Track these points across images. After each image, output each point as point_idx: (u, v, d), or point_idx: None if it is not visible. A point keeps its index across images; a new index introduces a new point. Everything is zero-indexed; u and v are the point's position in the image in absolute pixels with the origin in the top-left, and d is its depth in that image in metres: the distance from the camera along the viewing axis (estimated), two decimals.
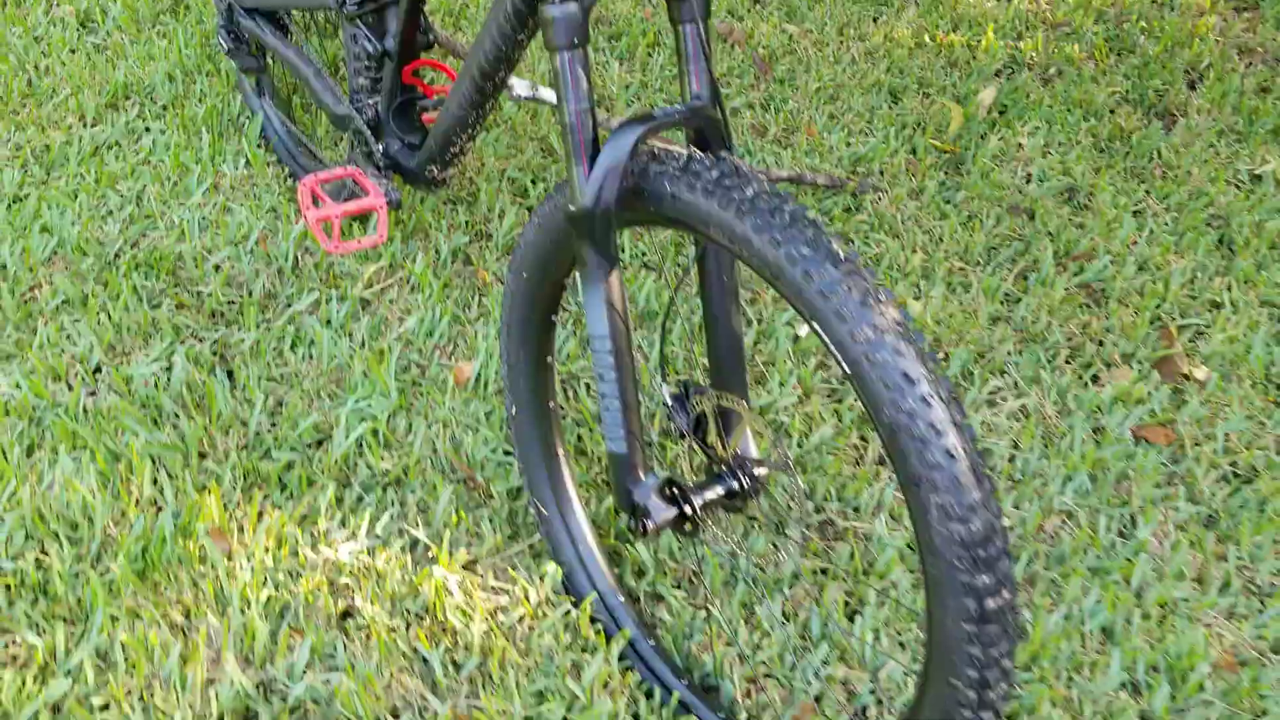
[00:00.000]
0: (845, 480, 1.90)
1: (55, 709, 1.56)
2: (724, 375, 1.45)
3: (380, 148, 1.96)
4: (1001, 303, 2.28)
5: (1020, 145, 2.70)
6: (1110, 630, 1.73)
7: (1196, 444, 2.02)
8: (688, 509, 1.40)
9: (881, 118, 2.73)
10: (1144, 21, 3.18)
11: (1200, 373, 2.14)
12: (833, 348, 1.12)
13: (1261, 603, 1.79)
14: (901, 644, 1.70)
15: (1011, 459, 1.98)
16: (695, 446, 1.48)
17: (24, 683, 1.57)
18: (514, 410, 1.73)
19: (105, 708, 1.57)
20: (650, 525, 1.39)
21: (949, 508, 1.07)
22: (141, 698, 1.58)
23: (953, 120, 2.68)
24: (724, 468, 1.44)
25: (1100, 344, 2.20)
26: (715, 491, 1.42)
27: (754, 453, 1.45)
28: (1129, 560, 1.81)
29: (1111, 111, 2.83)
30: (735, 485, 1.42)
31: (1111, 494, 1.92)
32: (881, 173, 2.60)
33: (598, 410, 1.97)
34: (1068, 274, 2.34)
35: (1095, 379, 2.15)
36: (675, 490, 1.41)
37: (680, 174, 1.23)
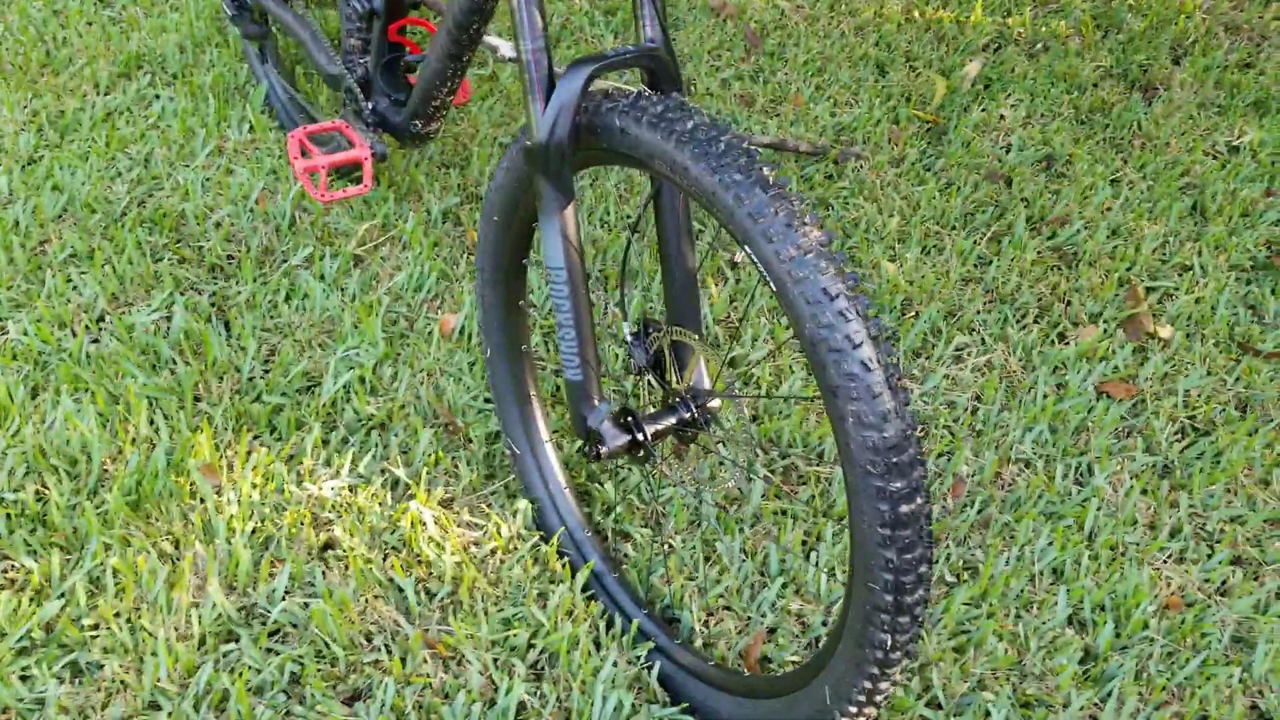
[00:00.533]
0: (810, 429, 1.97)
1: (48, 628, 1.65)
2: (679, 311, 1.52)
3: (370, 105, 2.04)
4: (975, 265, 2.34)
5: (1002, 116, 2.76)
6: (1060, 571, 1.79)
7: (1157, 399, 2.08)
8: (640, 436, 1.47)
9: (867, 89, 2.80)
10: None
11: (1165, 331, 2.20)
12: (761, 267, 1.19)
13: (1210, 548, 1.85)
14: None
15: (974, 410, 2.04)
16: (653, 381, 1.56)
17: (20, 604, 1.67)
18: (488, 352, 1.82)
19: (95, 627, 1.66)
20: (603, 450, 1.46)
21: (863, 415, 1.14)
22: (129, 619, 1.67)
23: (937, 92, 2.74)
24: (677, 399, 1.51)
25: (1068, 304, 2.26)
26: (667, 421, 1.49)
27: (707, 385, 1.52)
28: (1082, 506, 1.87)
29: (1095, 85, 2.88)
30: (687, 415, 1.50)
31: (1070, 444, 1.98)
32: (866, 141, 2.67)
33: None
34: (1040, 238, 2.40)
35: (1062, 337, 2.21)
36: (629, 418, 1.48)
37: (628, 110, 1.31)
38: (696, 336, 1.49)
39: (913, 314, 2.21)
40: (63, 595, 1.70)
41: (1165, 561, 1.82)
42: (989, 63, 2.93)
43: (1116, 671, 1.65)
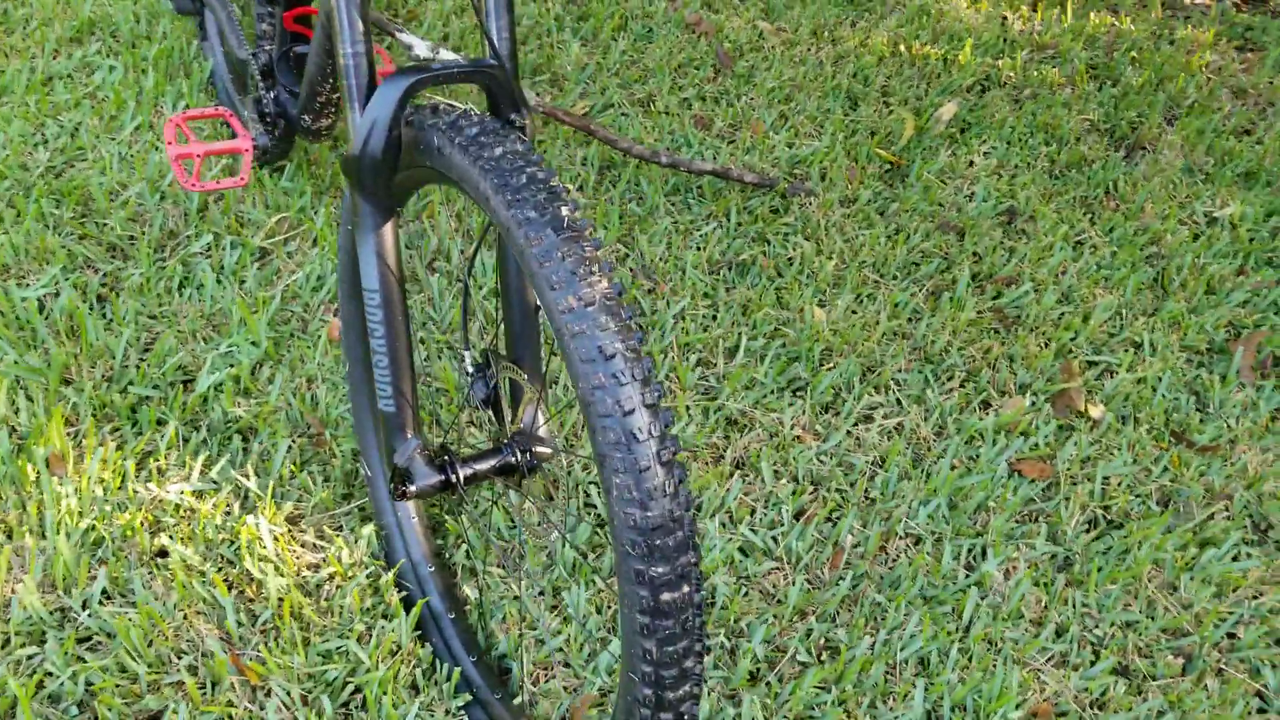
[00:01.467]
0: (693, 478, 1.86)
1: None
2: (518, 347, 1.42)
3: (271, 94, 1.96)
4: (907, 319, 2.22)
5: (971, 163, 2.62)
6: (926, 661, 1.66)
7: (1072, 483, 1.94)
8: (453, 477, 1.37)
9: (833, 122, 2.67)
10: (1135, 51, 3.07)
11: (1096, 411, 2.06)
12: (546, 313, 1.08)
13: (1096, 654, 1.71)
14: (707, 649, 1.65)
15: (872, 476, 1.92)
16: (491, 418, 1.46)
17: None
18: (347, 366, 1.72)
19: None
20: (410, 489, 1.37)
21: (627, 490, 1.03)
22: None
23: (905, 131, 2.61)
24: (503, 442, 1.41)
25: (997, 370, 2.12)
26: (487, 464, 1.39)
27: (541, 430, 1.42)
28: (964, 592, 1.74)
29: (1077, 139, 2.74)
30: (511, 460, 1.39)
31: (967, 523, 1.85)
32: (823, 177, 2.54)
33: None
34: (983, 297, 2.27)
35: (985, 405, 2.07)
36: (445, 457, 1.38)
37: (445, 129, 1.21)
38: (526, 377, 1.39)
39: (830, 365, 2.09)
40: None
41: (1044, 663, 1.68)
42: (968, 105, 2.80)
43: None
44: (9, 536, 1.70)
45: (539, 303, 1.09)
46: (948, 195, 2.51)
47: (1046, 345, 2.17)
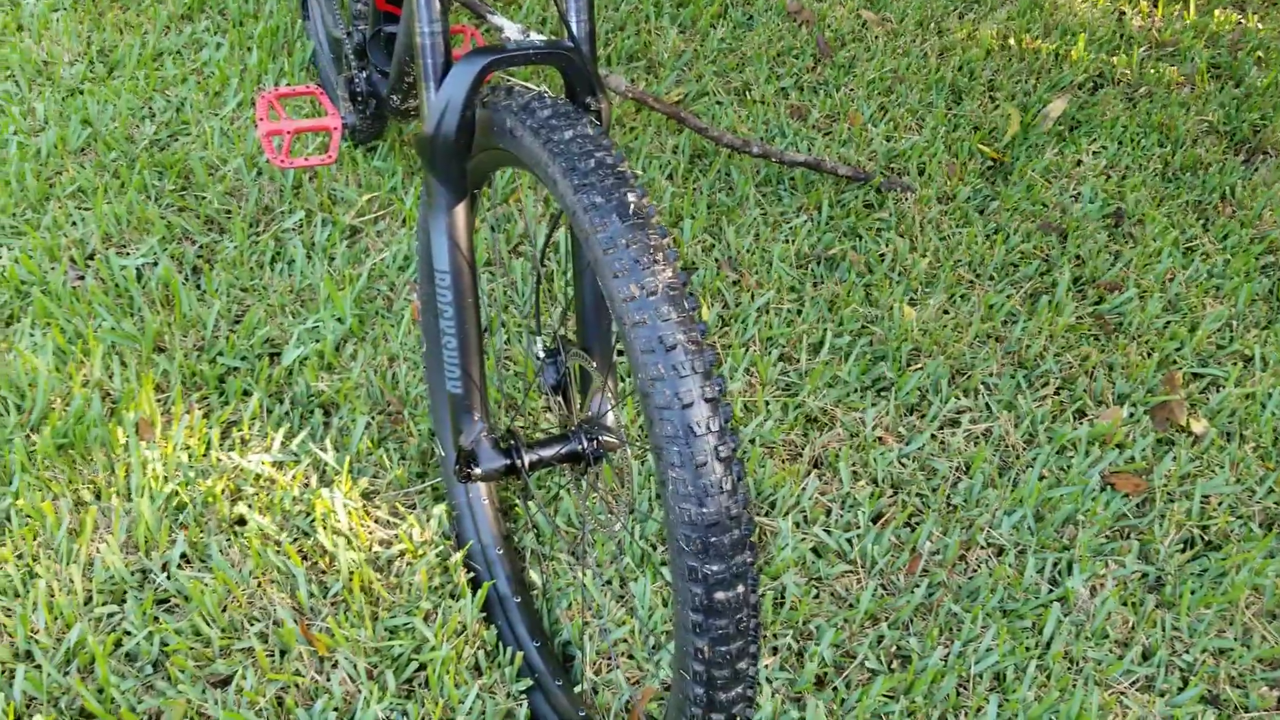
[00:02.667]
0: (768, 475, 1.82)
1: None
2: (588, 334, 1.40)
3: (364, 74, 1.98)
4: (1001, 322, 2.14)
5: (1079, 162, 2.52)
6: (1001, 677, 1.60)
7: (1169, 500, 1.85)
8: (518, 463, 1.36)
9: (935, 116, 2.59)
10: (1262, 50, 2.91)
11: (1199, 426, 1.96)
12: (608, 301, 1.06)
13: (1185, 680, 1.63)
14: (774, 649, 1.62)
15: (955, 483, 1.86)
16: (561, 404, 1.45)
17: None
18: (425, 347, 1.73)
19: None
20: (475, 471, 1.36)
21: (683, 485, 1.01)
22: (29, 563, 1.65)
23: (1010, 126, 2.53)
24: (570, 429, 1.39)
25: (1094, 379, 2.04)
26: (552, 450, 1.37)
27: (608, 419, 1.40)
28: (1045, 608, 1.67)
29: (1193, 141, 2.61)
30: (577, 448, 1.38)
31: (1053, 536, 1.78)
32: (921, 172, 2.47)
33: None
34: (1084, 302, 2.18)
35: (1080, 415, 1.99)
36: (512, 442, 1.38)
37: (518, 111, 1.20)
38: (595, 365, 1.37)
39: (917, 366, 2.03)
40: None
41: (1127, 686, 1.61)
42: (1079, 102, 2.69)
43: None
44: (97, 497, 1.75)
45: (602, 285, 1.07)
46: (1052, 195, 2.42)
47: (1149, 355, 2.08)
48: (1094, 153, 2.55)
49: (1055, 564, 1.75)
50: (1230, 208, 2.45)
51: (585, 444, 1.37)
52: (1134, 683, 1.62)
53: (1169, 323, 2.15)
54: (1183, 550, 1.79)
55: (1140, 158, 2.55)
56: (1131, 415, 1.98)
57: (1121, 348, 2.09)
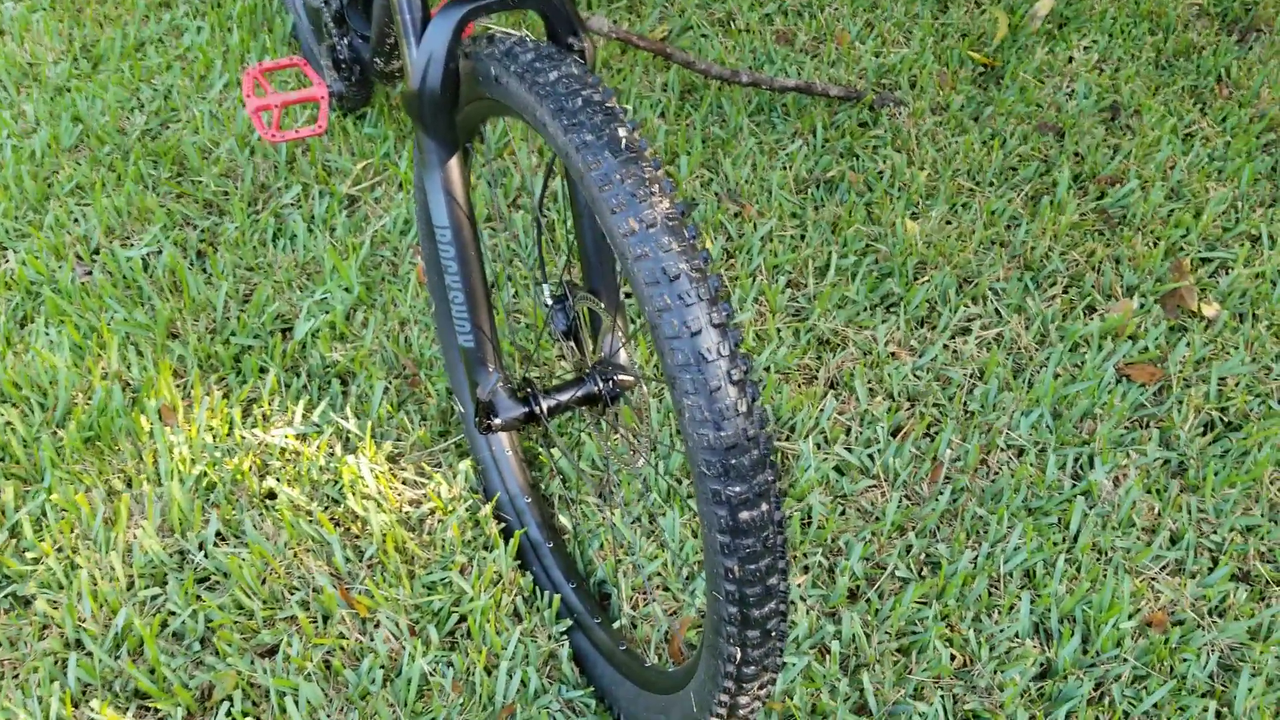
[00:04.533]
0: (785, 400, 1.84)
1: None
2: (593, 276, 1.41)
3: (345, 40, 1.97)
4: (1005, 226, 2.14)
5: (1070, 59, 2.49)
6: (1031, 574, 1.62)
7: (1185, 385, 1.86)
8: (537, 409, 1.38)
9: (922, 27, 2.57)
10: None
11: (1210, 310, 1.96)
12: (608, 237, 1.07)
13: (1214, 561, 1.65)
14: (805, 568, 1.64)
15: (971, 389, 1.87)
16: (574, 348, 1.46)
17: None
18: (434, 307, 1.74)
19: (37, 561, 1.68)
20: (494, 422, 1.38)
21: (699, 411, 1.02)
22: (68, 555, 1.68)
23: (998, 30, 2.50)
24: (585, 372, 1.41)
25: (1102, 274, 2.03)
26: (569, 394, 1.39)
27: (622, 358, 1.41)
28: (1070, 503, 1.69)
29: (1185, 26, 2.58)
30: (594, 389, 1.39)
31: (1072, 433, 1.79)
32: (913, 85, 2.46)
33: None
34: (1086, 198, 2.17)
35: (1090, 311, 1.99)
36: (528, 389, 1.39)
37: (502, 57, 1.20)
38: (604, 305, 1.38)
39: (924, 279, 2.03)
40: (12, 527, 1.72)
41: (1158, 572, 1.63)
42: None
43: (1074, 692, 1.48)
44: (128, 485, 1.78)
45: (601, 224, 1.07)
46: (1046, 95, 2.40)
47: (1155, 244, 2.08)
48: (1085, 48, 2.53)
49: (1076, 459, 1.77)
50: (1227, 90, 2.42)
51: (601, 385, 1.38)
52: (1164, 567, 1.64)
53: (1173, 210, 2.14)
54: (1203, 433, 1.80)
55: (1132, 48, 2.53)
56: (1142, 306, 1.98)
57: (1127, 240, 2.08)
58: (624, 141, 1.08)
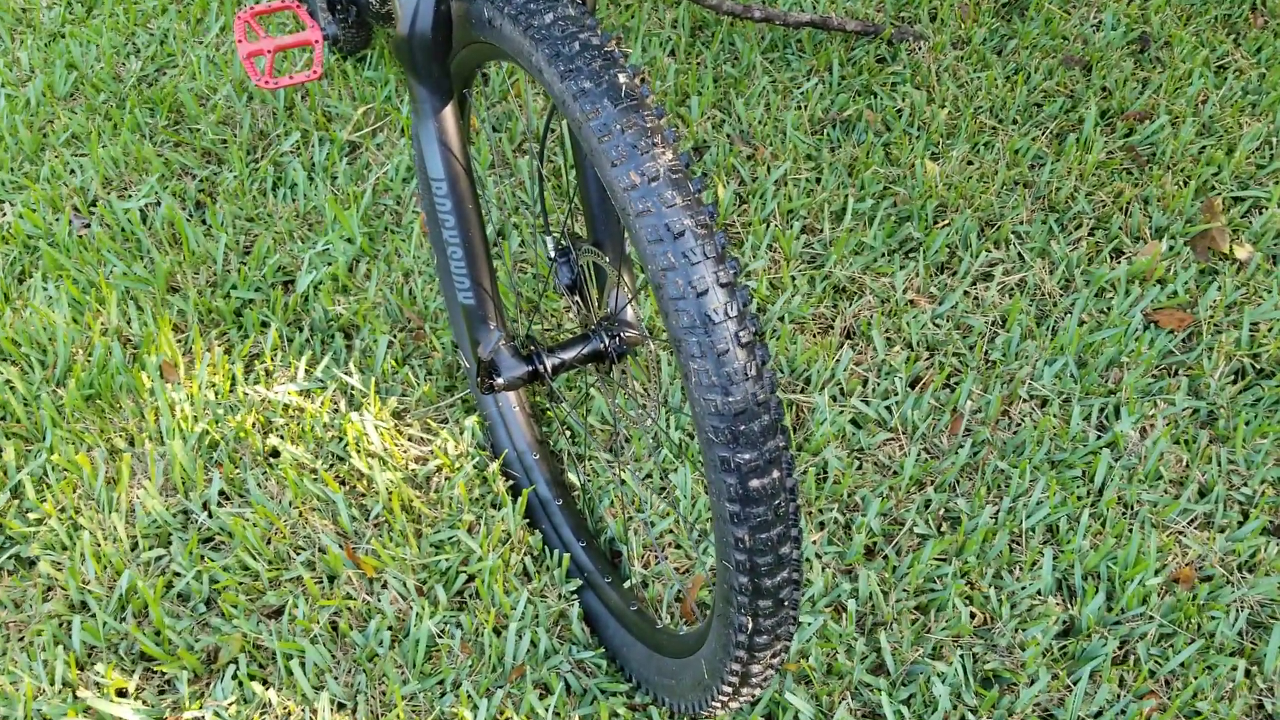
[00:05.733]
0: (799, 351, 1.78)
1: None
2: (597, 229, 1.35)
3: None
4: (1029, 167, 2.06)
5: None
6: (1055, 529, 1.58)
7: (1216, 331, 1.79)
8: (540, 367, 1.33)
9: None
10: None
11: (1243, 252, 1.88)
12: (609, 191, 1.01)
13: (1244, 514, 1.59)
14: (821, 524, 1.60)
15: (992, 338, 1.81)
16: (579, 303, 1.41)
17: None
18: (436, 260, 1.69)
19: (40, 522, 1.66)
20: (497, 382, 1.33)
21: (706, 375, 0.97)
22: (71, 516, 1.66)
23: None
24: (590, 328, 1.35)
25: (1130, 215, 1.96)
26: (574, 352, 1.34)
27: (628, 314, 1.36)
28: (1095, 455, 1.63)
29: None
30: (599, 346, 1.34)
31: (1097, 382, 1.73)
32: (933, 18, 2.36)
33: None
34: (1114, 136, 2.09)
35: (1117, 254, 1.92)
36: (531, 347, 1.34)
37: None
38: (609, 260, 1.33)
39: (944, 223, 1.96)
40: (14, 487, 1.70)
41: (1186, 525, 1.58)
42: None
43: (1098, 651, 1.44)
44: (130, 444, 1.75)
45: (601, 176, 1.02)
46: (1072, 27, 2.31)
47: (1185, 184, 2.00)
48: None
49: (1102, 409, 1.71)
50: (1262, 19, 2.32)
51: (607, 342, 1.33)
52: (1192, 521, 1.59)
53: (1204, 147, 2.06)
54: (1234, 381, 1.74)
55: None
56: (1171, 248, 1.91)
57: (1156, 179, 2.00)
58: (624, 89, 1.01)
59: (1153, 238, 1.93)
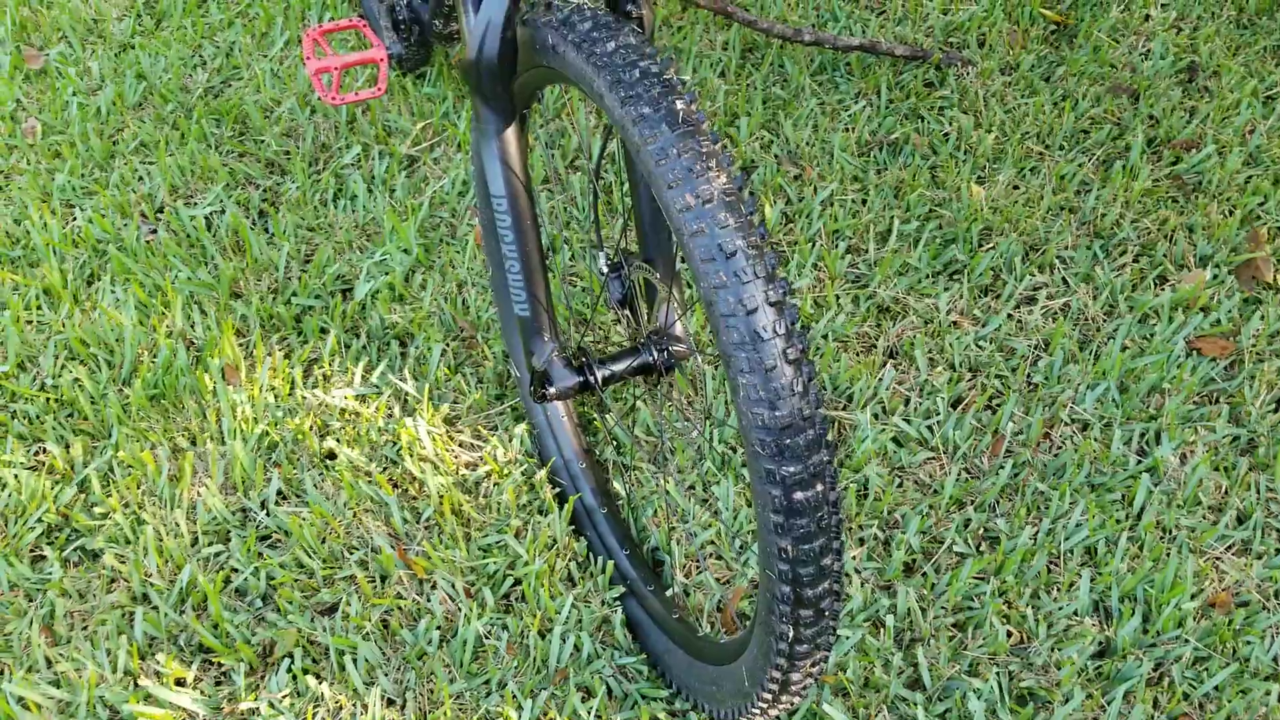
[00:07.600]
0: (843, 369, 1.82)
1: (64, 513, 1.72)
2: (649, 246, 1.40)
3: (404, 2, 1.96)
4: (1074, 193, 2.08)
5: (1147, 17, 2.41)
6: (1093, 551, 1.60)
7: (1259, 359, 1.81)
8: (592, 379, 1.38)
9: None
10: None
11: None
12: (664, 212, 1.06)
13: None
14: (860, 540, 1.63)
15: (1035, 360, 1.83)
16: (629, 317, 1.45)
17: (42, 487, 1.74)
18: (490, 271, 1.74)
19: (105, 516, 1.72)
20: (550, 391, 1.38)
21: (754, 390, 1.01)
22: (135, 511, 1.72)
23: None
24: (640, 342, 1.40)
25: (1174, 243, 1.98)
26: (624, 364, 1.38)
27: (677, 329, 1.40)
28: (1134, 479, 1.65)
29: None
30: (649, 360, 1.39)
31: (1139, 407, 1.75)
32: (982, 44, 2.39)
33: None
34: (1160, 164, 2.10)
35: (1161, 281, 1.94)
36: (583, 359, 1.39)
37: (559, 26, 1.18)
38: (659, 275, 1.37)
39: (989, 246, 1.99)
40: (81, 483, 1.77)
41: (1223, 551, 1.59)
42: None
43: (1133, 672, 1.46)
44: (192, 443, 1.82)
45: (658, 199, 1.06)
46: (1120, 55, 2.33)
47: (1231, 213, 2.01)
48: (1162, 5, 2.44)
49: (1143, 435, 1.73)
50: None
51: (656, 355, 1.38)
52: (1229, 547, 1.60)
53: (1250, 177, 2.07)
54: (1275, 410, 1.75)
55: (1212, 6, 2.43)
56: (1215, 276, 1.92)
57: (1202, 207, 2.02)
58: (681, 114, 1.06)
59: (1197, 266, 1.94)
